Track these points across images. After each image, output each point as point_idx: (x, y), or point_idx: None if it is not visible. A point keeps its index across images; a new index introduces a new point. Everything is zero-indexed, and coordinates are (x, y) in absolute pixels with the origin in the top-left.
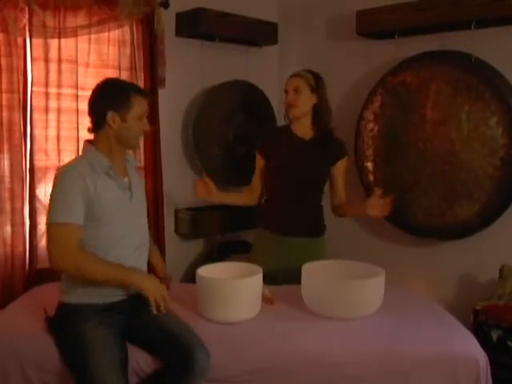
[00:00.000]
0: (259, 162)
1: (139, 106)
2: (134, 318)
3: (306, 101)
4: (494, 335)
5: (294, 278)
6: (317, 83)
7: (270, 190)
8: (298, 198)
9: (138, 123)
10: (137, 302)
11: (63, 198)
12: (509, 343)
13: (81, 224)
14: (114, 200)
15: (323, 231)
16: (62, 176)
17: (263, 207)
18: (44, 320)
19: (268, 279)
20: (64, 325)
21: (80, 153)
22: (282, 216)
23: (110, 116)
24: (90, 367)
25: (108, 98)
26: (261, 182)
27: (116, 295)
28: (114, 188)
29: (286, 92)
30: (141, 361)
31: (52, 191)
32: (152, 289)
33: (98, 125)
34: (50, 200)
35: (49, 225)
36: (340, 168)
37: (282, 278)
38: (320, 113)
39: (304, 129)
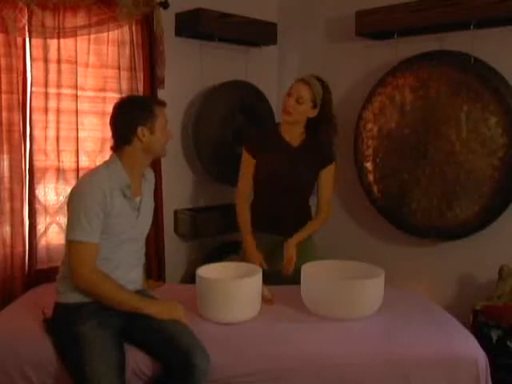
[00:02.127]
0: (249, 161)
1: (162, 116)
2: (134, 319)
3: (303, 112)
4: (494, 335)
5: (286, 277)
6: (323, 98)
7: (258, 190)
8: (286, 200)
9: (164, 132)
10: None
11: (85, 213)
12: (508, 343)
13: (98, 242)
14: (122, 217)
15: None
16: (85, 188)
17: (251, 206)
18: (42, 322)
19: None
20: (62, 326)
21: (81, 153)
22: (271, 216)
23: (140, 131)
24: (88, 369)
25: (135, 115)
26: (251, 184)
27: None
28: (125, 206)
29: (289, 95)
30: (140, 363)
31: (73, 202)
32: (167, 316)
33: (124, 141)
34: (71, 212)
35: (69, 241)
36: (324, 176)
37: (272, 277)
38: (317, 125)
39: (293, 135)
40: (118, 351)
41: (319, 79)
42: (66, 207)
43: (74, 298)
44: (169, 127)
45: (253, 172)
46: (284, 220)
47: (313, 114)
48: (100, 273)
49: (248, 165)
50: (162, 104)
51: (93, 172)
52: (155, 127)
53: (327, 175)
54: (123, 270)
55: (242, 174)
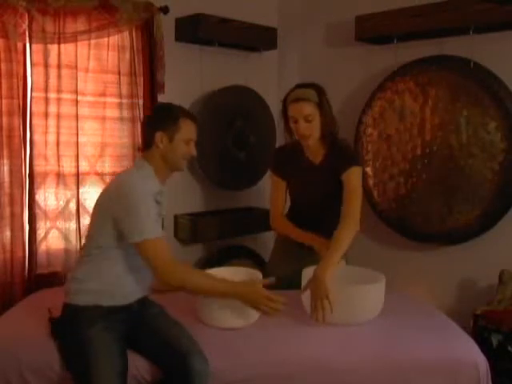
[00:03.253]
0: (279, 183)
1: (187, 130)
2: (137, 323)
3: (318, 125)
4: (494, 340)
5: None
6: (320, 99)
7: (292, 201)
8: (319, 212)
9: (184, 147)
10: (142, 305)
11: (146, 213)
12: (509, 348)
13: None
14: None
15: None
16: (135, 190)
17: (286, 214)
18: (48, 320)
19: (285, 284)
20: (68, 328)
21: (81, 158)
22: (305, 227)
23: (159, 136)
24: (94, 373)
25: (158, 120)
26: (284, 202)
27: (127, 298)
28: (155, 212)
29: (295, 121)
30: (141, 368)
31: (128, 205)
32: (250, 302)
33: (146, 144)
34: (131, 215)
35: (146, 242)
36: (344, 180)
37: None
38: (327, 127)
39: (315, 149)
40: (122, 357)
41: (306, 85)
42: (66, 212)
43: (84, 300)
44: (193, 146)
45: (284, 193)
46: (318, 231)
47: (320, 117)
48: (179, 263)
49: (278, 187)
50: (192, 119)
51: (129, 174)
52: (175, 137)
53: (345, 179)
54: (143, 273)
55: (272, 199)
